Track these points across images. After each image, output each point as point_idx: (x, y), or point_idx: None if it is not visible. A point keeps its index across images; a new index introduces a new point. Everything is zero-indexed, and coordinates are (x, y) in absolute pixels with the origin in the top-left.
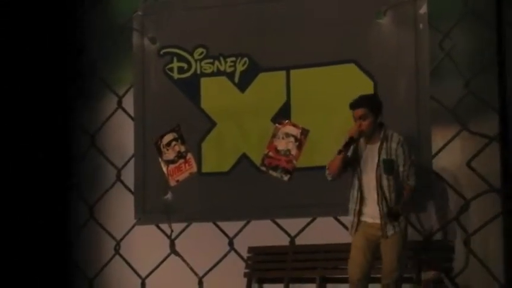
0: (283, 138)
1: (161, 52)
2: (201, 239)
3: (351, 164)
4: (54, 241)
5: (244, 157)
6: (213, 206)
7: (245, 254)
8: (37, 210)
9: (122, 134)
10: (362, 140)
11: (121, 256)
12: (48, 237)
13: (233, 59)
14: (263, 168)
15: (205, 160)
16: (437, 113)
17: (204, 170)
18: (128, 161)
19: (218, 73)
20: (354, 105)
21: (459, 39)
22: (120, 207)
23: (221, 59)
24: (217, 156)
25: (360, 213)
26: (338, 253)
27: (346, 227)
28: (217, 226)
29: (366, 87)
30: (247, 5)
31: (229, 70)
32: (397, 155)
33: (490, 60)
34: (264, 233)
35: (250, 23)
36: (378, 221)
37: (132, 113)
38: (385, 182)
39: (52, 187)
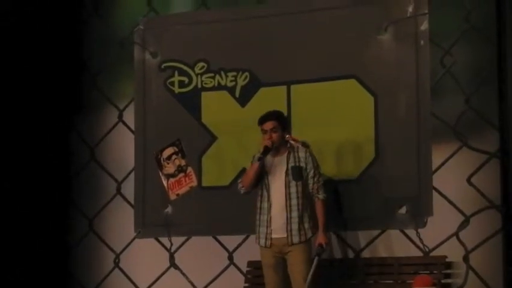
0: None
1: (162, 66)
2: (201, 253)
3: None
4: (53, 254)
5: (244, 171)
6: (213, 219)
7: (244, 268)
8: (36, 223)
9: (122, 148)
10: (269, 155)
11: (120, 269)
12: (48, 250)
13: (234, 73)
14: None
15: (206, 174)
16: (438, 129)
17: (204, 184)
18: (128, 174)
19: (219, 87)
20: (265, 119)
21: (460, 55)
22: (120, 221)
23: (222, 73)
24: (217, 170)
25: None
26: (338, 267)
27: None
28: (217, 240)
29: (367, 102)
30: (249, 20)
31: (230, 85)
32: (306, 163)
33: (490, 77)
34: None
35: (251, 37)
36: (284, 234)
37: (132, 127)
38: (293, 189)
39: (52, 200)
